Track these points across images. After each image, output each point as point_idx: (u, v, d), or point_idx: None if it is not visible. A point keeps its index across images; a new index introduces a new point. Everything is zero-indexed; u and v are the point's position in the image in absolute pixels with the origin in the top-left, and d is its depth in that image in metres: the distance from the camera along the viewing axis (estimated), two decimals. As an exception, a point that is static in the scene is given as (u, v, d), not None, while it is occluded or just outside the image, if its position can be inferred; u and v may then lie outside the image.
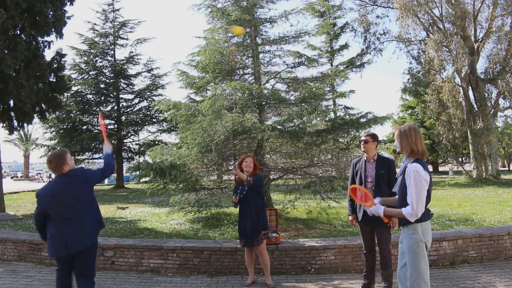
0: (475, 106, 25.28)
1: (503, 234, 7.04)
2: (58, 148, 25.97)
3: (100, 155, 29.89)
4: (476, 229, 7.43)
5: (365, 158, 5.49)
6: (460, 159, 32.24)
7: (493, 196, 14.97)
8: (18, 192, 23.14)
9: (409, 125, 3.90)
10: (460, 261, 6.76)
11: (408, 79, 28.87)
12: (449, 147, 26.28)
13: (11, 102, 13.38)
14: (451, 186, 21.09)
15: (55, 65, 14.00)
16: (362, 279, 5.63)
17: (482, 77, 25.38)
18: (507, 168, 42.13)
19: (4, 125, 13.97)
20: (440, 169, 42.64)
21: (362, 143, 5.41)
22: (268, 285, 5.88)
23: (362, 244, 5.61)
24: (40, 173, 44.54)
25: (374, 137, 5.46)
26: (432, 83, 25.23)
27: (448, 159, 40.75)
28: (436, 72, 25.12)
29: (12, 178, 47.14)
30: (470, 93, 25.33)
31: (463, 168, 27.83)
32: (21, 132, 56.22)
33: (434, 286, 5.61)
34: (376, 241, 5.42)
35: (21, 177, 55.66)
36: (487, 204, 12.43)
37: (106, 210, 13.72)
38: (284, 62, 10.75)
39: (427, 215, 3.75)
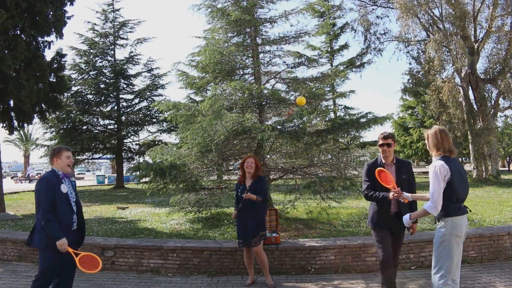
0: (475, 106, 25.29)
1: (503, 234, 7.04)
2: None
3: (100, 155, 29.93)
4: (476, 229, 7.43)
5: (383, 162, 4.80)
6: (460, 159, 32.20)
7: (493, 196, 14.97)
8: (18, 192, 23.13)
9: (436, 128, 4.28)
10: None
11: (408, 79, 28.87)
12: (449, 147, 26.27)
13: (11, 102, 13.37)
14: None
15: (55, 65, 14.00)
16: None
17: (482, 77, 25.39)
18: (507, 168, 42.08)
19: (4, 125, 13.96)
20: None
21: (384, 147, 4.69)
22: (268, 285, 5.89)
23: (380, 254, 4.67)
24: (30, 173, 44.46)
25: (395, 138, 4.89)
26: (432, 83, 25.23)
27: (448, 159, 40.72)
28: (436, 72, 25.11)
29: (12, 178, 47.03)
30: (470, 93, 25.34)
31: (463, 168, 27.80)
32: (21, 132, 56.25)
33: (434, 286, 5.60)
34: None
35: (21, 177, 55.60)
36: (487, 204, 12.44)
37: (106, 210, 13.73)
38: (284, 62, 10.76)
39: (456, 210, 3.93)
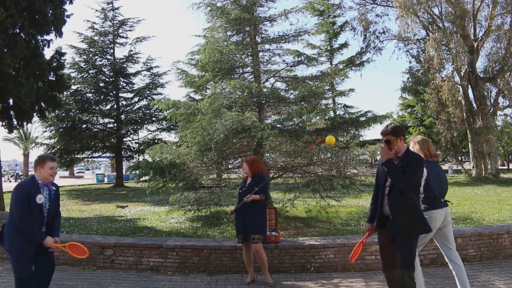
0: (474, 105, 25.31)
1: (502, 233, 7.04)
2: (58, 147, 26.00)
3: (100, 153, 29.93)
4: (475, 228, 7.43)
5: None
6: (459, 158, 32.27)
7: (493, 195, 14.98)
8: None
9: (419, 137, 5.02)
10: (459, 259, 6.76)
11: (408, 78, 28.89)
12: (449, 146, 26.33)
13: (11, 101, 13.37)
14: (450, 184, 20.88)
15: (54, 64, 13.98)
16: None
17: (481, 76, 25.40)
18: (506, 167, 42.13)
19: (4, 123, 13.95)
20: (440, 167, 42.65)
21: (384, 144, 4.32)
22: (268, 283, 5.89)
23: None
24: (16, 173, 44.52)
25: (396, 132, 4.27)
26: (432, 82, 25.25)
27: (448, 158, 40.84)
28: (435, 71, 25.12)
29: (12, 176, 47.04)
30: (470, 92, 25.38)
31: (463, 167, 27.87)
32: (21, 130, 56.15)
33: (434, 285, 5.63)
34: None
35: (21, 175, 55.58)
36: (486, 202, 12.45)
37: (106, 209, 13.74)
38: (284, 60, 10.76)
39: (434, 204, 4.78)
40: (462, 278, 4.79)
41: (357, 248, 4.77)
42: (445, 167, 43.42)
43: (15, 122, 14.12)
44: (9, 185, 28.10)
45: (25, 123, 14.85)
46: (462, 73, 24.91)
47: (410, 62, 27.74)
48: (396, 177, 4.09)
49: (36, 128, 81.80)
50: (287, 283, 6.01)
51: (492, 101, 25.81)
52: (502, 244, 7.03)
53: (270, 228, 6.67)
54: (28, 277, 4.40)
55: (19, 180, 39.98)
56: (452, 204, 5.13)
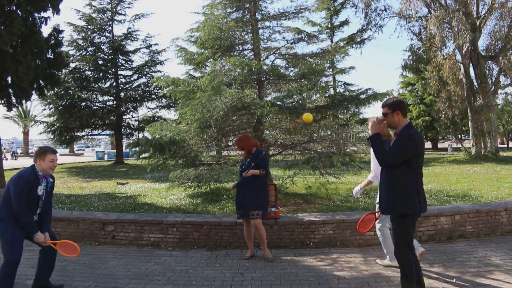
0: (475, 83, 25.14)
1: (500, 210, 7.11)
2: (57, 124, 25.95)
3: (100, 131, 29.91)
4: (474, 205, 7.49)
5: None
6: (459, 136, 32.26)
7: (492, 173, 15.05)
8: (18, 169, 23.20)
9: (376, 117, 4.66)
10: (457, 236, 6.83)
11: (409, 56, 28.60)
12: (449, 124, 26.27)
13: (9, 79, 13.30)
14: (449, 162, 21.18)
15: (52, 41, 13.89)
16: None
17: (483, 54, 25.15)
18: (505, 145, 42.14)
19: (2, 101, 13.92)
20: (439, 146, 42.67)
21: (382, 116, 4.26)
22: (267, 258, 5.97)
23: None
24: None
25: (393, 105, 4.13)
26: (433, 60, 25.03)
27: (447, 136, 40.83)
28: (437, 49, 24.89)
29: (12, 154, 47.01)
30: (471, 70, 25.15)
31: (462, 145, 27.89)
32: (20, 108, 56.08)
33: (431, 260, 5.69)
34: None
35: (21, 153, 55.73)
36: (485, 180, 12.51)
37: (106, 186, 13.81)
38: (284, 38, 10.66)
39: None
40: (386, 235, 5.49)
41: (369, 222, 4.98)
42: (444, 145, 43.55)
43: (14, 100, 14.08)
44: (7, 163, 28.21)
45: (24, 101, 14.82)
46: (463, 51, 24.69)
47: (411, 40, 27.52)
48: (376, 153, 4.04)
49: (35, 106, 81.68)
50: (287, 258, 6.08)
51: (493, 80, 25.63)
52: (500, 221, 7.10)
53: (270, 204, 6.71)
54: (16, 261, 4.39)
55: (14, 158, 39.91)
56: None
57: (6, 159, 39.04)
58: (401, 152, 3.94)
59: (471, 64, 24.89)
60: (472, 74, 25.17)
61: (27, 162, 31.22)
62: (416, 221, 4.10)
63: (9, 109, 14.88)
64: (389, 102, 4.14)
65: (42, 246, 4.66)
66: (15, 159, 39.30)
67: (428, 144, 40.90)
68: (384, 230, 5.51)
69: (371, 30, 30.00)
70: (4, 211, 4.48)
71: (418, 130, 4.39)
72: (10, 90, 13.75)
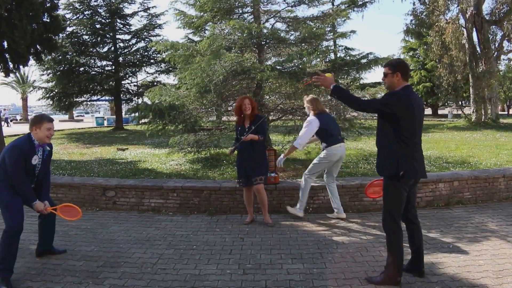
0: (478, 48, 24.78)
1: (498, 177, 7.13)
2: (56, 90, 25.76)
3: (99, 97, 29.75)
4: (472, 171, 7.51)
5: None
6: (459, 103, 32.08)
7: (491, 140, 15.05)
8: (18, 135, 23.21)
9: (311, 96, 6.40)
10: (455, 202, 6.89)
11: (411, 20, 28.05)
12: (450, 90, 26.08)
13: (5, 44, 13.14)
14: (449, 129, 21.16)
15: (48, 5, 13.65)
16: None
17: (487, 18, 24.67)
18: (506, 113, 42.00)
19: (0, 67, 13.80)
20: (439, 112, 42.60)
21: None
22: (267, 223, 6.02)
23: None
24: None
25: (393, 65, 3.94)
26: (436, 24, 24.62)
27: (448, 102, 40.62)
28: (440, 13, 24.44)
29: (11, 121, 46.92)
30: (474, 35, 24.75)
31: (463, 111, 27.80)
32: (18, 74, 55.69)
33: (429, 226, 5.75)
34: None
35: (20, 119, 55.67)
36: (484, 147, 12.52)
37: (106, 152, 13.83)
38: (284, 0, 10.42)
39: (333, 141, 6.07)
40: (335, 192, 6.26)
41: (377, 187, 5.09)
42: (444, 111, 43.42)
43: (11, 66, 13.98)
44: (20, 129, 28.22)
45: (21, 67, 14.72)
46: (467, 15, 24.22)
47: (414, 3, 26.76)
48: (347, 99, 4.02)
49: (33, 71, 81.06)
50: (286, 223, 6.14)
51: (496, 45, 25.27)
52: (498, 188, 7.14)
53: (270, 169, 6.72)
54: (18, 228, 4.34)
55: (6, 124, 39.54)
56: (346, 139, 6.57)
57: (9, 126, 38.95)
58: (379, 101, 3.91)
59: (474, 29, 24.45)
60: (475, 39, 24.79)
61: (26, 129, 31.29)
62: (402, 189, 3.88)
63: (7, 75, 14.82)
64: (390, 62, 3.99)
65: (43, 214, 4.67)
66: (8, 126, 38.92)
67: (428, 110, 40.75)
68: (308, 180, 6.21)
69: (373, -8, 29.31)
70: (1, 180, 4.41)
71: (419, 96, 4.11)
72: (7, 55, 13.63)
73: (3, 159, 4.37)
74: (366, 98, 3.99)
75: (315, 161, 6.24)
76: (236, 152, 6.10)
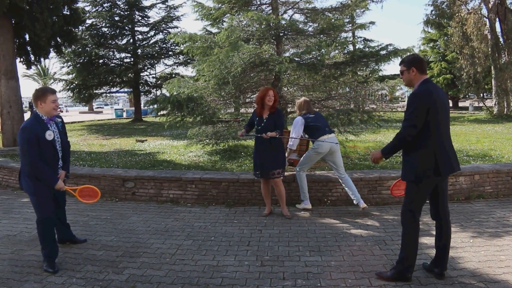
0: (501, 39, 24.22)
1: (522, 170, 6.99)
2: (76, 82, 26.10)
3: (118, 88, 30.02)
4: (494, 165, 7.37)
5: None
6: (481, 95, 31.47)
7: (513, 132, 14.76)
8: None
9: (303, 98, 6.73)
10: (475, 196, 6.79)
11: (432, 10, 27.54)
12: (471, 82, 25.59)
13: (27, 36, 13.34)
14: (470, 122, 20.81)
15: (68, -3, 13.75)
16: None
17: (511, 7, 24.12)
18: (529, 104, 41.06)
19: (22, 59, 14.05)
20: (460, 104, 41.88)
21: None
22: (285, 215, 6.03)
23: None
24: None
25: (407, 62, 3.88)
26: (457, 14, 24.13)
27: (469, 94, 39.89)
28: (461, 2, 23.95)
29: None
30: (497, 25, 24.17)
31: (484, 103, 27.29)
32: (39, 67, 56.59)
33: (449, 219, 5.67)
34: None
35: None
36: (506, 140, 12.28)
37: (125, 143, 13.98)
38: (303, -9, 10.32)
39: (319, 133, 6.23)
40: (349, 183, 6.24)
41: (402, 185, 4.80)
42: (465, 104, 42.67)
43: (33, 58, 14.21)
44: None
45: (42, 59, 14.92)
46: (490, 5, 23.67)
47: (434, -7, 26.26)
48: (398, 147, 3.90)
49: (54, 64, 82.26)
50: (304, 215, 6.14)
51: (520, 36, 24.69)
52: (520, 181, 7.00)
53: (294, 152, 6.68)
54: (49, 217, 4.35)
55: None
56: (334, 132, 6.73)
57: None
58: (408, 115, 3.70)
59: (497, 19, 23.88)
60: (498, 30, 24.21)
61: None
62: (425, 190, 3.81)
63: (29, 67, 15.05)
64: (404, 59, 3.91)
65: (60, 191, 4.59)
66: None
67: (450, 103, 40.03)
68: (301, 174, 6.42)
69: (393, -17, 28.90)
70: (25, 168, 4.34)
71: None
72: (29, 48, 13.84)
73: (21, 147, 4.26)
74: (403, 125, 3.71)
75: (305, 154, 6.51)
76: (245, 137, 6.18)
